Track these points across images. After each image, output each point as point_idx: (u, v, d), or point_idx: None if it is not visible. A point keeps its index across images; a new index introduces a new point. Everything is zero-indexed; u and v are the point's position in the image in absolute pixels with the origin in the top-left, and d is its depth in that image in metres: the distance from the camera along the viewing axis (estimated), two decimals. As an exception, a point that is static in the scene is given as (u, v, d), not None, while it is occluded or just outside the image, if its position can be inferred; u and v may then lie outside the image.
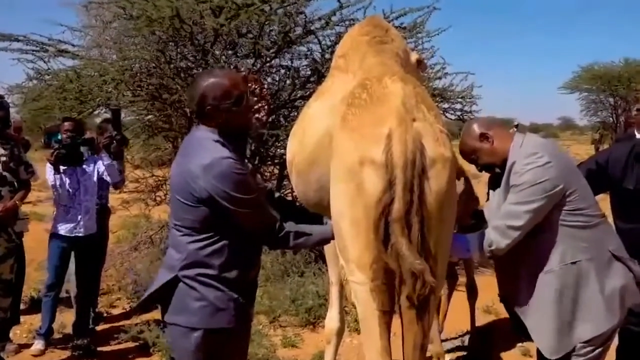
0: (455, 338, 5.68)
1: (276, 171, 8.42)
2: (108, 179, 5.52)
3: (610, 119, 30.58)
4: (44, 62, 7.77)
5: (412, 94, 2.64)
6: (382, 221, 2.42)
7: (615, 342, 3.57)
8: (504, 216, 2.88)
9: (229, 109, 2.66)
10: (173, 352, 3.00)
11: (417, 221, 2.39)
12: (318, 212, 3.03)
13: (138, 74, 7.33)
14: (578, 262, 2.86)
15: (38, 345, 5.26)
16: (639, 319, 3.44)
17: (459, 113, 8.82)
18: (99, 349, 5.37)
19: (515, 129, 3.12)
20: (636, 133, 3.58)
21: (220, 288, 2.67)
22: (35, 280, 6.85)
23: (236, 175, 2.58)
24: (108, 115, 6.24)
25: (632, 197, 3.43)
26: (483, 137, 3.04)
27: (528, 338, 3.13)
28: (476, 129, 3.08)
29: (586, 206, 2.90)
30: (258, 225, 2.70)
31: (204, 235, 2.64)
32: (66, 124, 5.27)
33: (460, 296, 6.97)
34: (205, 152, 2.61)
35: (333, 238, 2.79)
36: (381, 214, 2.42)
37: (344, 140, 2.68)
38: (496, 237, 2.87)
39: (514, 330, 3.19)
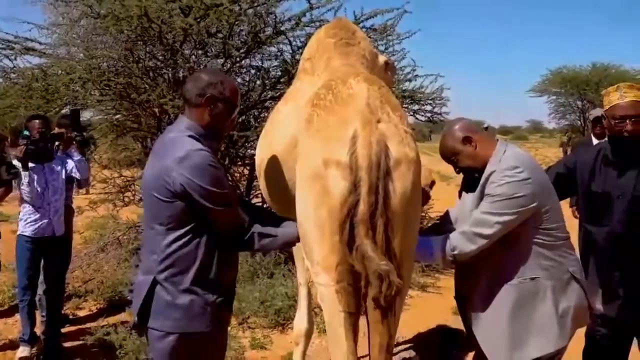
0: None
1: (246, 172, 8.41)
2: (77, 175, 5.47)
3: (579, 122, 31.10)
4: (10, 60, 7.69)
5: (377, 94, 2.66)
6: (347, 223, 2.43)
7: (582, 343, 3.64)
8: (474, 223, 2.89)
9: (223, 108, 2.74)
10: (149, 354, 2.95)
11: (382, 223, 2.41)
12: (287, 217, 3.04)
13: (106, 73, 7.24)
14: (537, 278, 2.89)
15: (24, 352, 5.14)
16: (605, 321, 3.49)
17: (429, 115, 8.88)
18: (64, 351, 5.31)
19: (496, 138, 3.13)
20: (593, 139, 3.61)
21: (197, 291, 2.66)
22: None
23: (211, 168, 2.60)
24: (66, 111, 6.12)
25: (599, 200, 3.47)
26: (467, 140, 3.04)
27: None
28: (460, 131, 3.07)
29: (555, 227, 2.93)
30: (229, 224, 2.69)
31: (180, 233, 2.63)
32: (36, 122, 5.15)
33: (430, 297, 7.06)
34: (179, 146, 2.64)
35: (299, 240, 2.79)
36: (346, 215, 2.43)
37: (309, 142, 2.69)
38: (462, 242, 2.89)
39: (467, 331, 3.21)
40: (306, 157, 2.67)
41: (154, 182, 2.65)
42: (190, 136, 2.68)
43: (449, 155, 3.13)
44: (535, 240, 2.89)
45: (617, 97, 3.43)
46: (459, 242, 2.89)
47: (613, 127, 3.42)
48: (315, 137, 2.65)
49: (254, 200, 8.03)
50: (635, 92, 3.40)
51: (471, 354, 5.19)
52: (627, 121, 3.36)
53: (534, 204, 2.84)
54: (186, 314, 2.65)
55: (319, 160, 2.54)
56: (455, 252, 2.89)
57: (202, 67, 7.48)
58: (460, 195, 3.29)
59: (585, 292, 3.00)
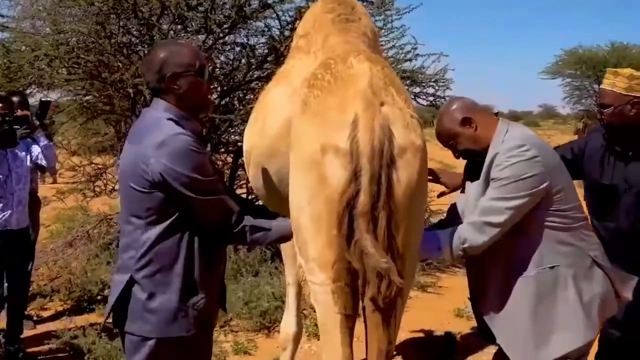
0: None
1: (230, 159, 8.38)
2: (44, 162, 5.44)
3: (595, 107, 31.10)
4: (-32, 34, 7.61)
5: (381, 75, 2.62)
6: (346, 216, 2.39)
7: (595, 348, 3.65)
8: (482, 212, 2.87)
9: (191, 79, 2.69)
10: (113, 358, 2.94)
11: (384, 216, 2.37)
12: (277, 211, 3.02)
13: (75, 50, 7.19)
14: (556, 267, 2.88)
15: None
16: (619, 324, 3.51)
17: (431, 98, 8.83)
18: (27, 355, 5.30)
19: (498, 117, 3.12)
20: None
21: (179, 291, 2.64)
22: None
23: (193, 153, 2.58)
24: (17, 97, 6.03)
25: (607, 193, 3.48)
26: (466, 121, 3.03)
27: (493, 343, 3.16)
28: (458, 111, 3.06)
29: (570, 207, 2.92)
30: (215, 215, 2.68)
31: (161, 227, 2.61)
32: None
33: (431, 298, 7.10)
34: (157, 131, 2.61)
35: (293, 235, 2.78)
36: (345, 207, 2.39)
37: (305, 126, 2.65)
38: (471, 233, 2.86)
39: (480, 335, 3.21)
40: (301, 143, 2.64)
41: (130, 172, 2.62)
42: (169, 119, 2.66)
43: (446, 139, 3.11)
44: (550, 224, 2.88)
45: (604, 82, 3.54)
46: (469, 234, 2.87)
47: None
48: (312, 120, 2.62)
49: (238, 192, 8.02)
50: (614, 78, 3.45)
51: (474, 355, 5.26)
52: (603, 110, 3.48)
53: (545, 184, 2.82)
54: (167, 317, 2.64)
55: (315, 146, 2.50)
56: (466, 245, 2.87)
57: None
58: (464, 188, 3.28)
59: (610, 279, 2.98)
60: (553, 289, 2.87)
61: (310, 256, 2.59)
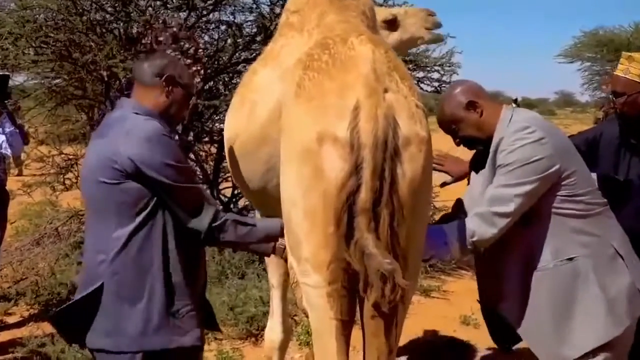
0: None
1: (214, 150, 8.37)
2: (8, 151, 5.45)
3: (617, 94, 31.07)
4: None
5: (384, 58, 2.60)
6: (345, 213, 2.37)
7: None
8: (490, 201, 2.89)
9: (181, 93, 2.86)
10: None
11: (387, 213, 2.36)
12: (264, 210, 3.02)
13: (43, 28, 7.17)
14: (575, 258, 2.89)
15: None
16: None
17: (436, 84, 8.85)
18: (-10, 365, 5.29)
19: (513, 105, 3.12)
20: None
21: (161, 296, 2.65)
22: None
23: (164, 137, 2.65)
24: None
25: (620, 189, 3.49)
26: (471, 105, 3.05)
27: (507, 351, 3.18)
28: (463, 95, 3.08)
29: (585, 192, 2.93)
30: (190, 204, 2.70)
31: (134, 223, 2.63)
32: None
33: (435, 304, 7.10)
34: (124, 122, 2.69)
35: (282, 235, 2.78)
36: (344, 203, 2.36)
37: (299, 112, 2.63)
38: (480, 225, 2.88)
39: (495, 342, 3.22)
40: (295, 131, 2.62)
41: (96, 166, 2.67)
42: (135, 114, 2.73)
43: (448, 123, 3.13)
44: (563, 211, 2.89)
45: (617, 68, 3.56)
46: (477, 226, 2.88)
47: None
48: (307, 106, 2.59)
49: (223, 186, 8.02)
50: (628, 64, 3.46)
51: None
52: (616, 99, 3.52)
53: (556, 167, 2.84)
54: (146, 328, 2.64)
55: (311, 134, 2.47)
56: (475, 239, 2.88)
57: (160, 21, 7.42)
58: (468, 181, 3.29)
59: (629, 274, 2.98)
60: (573, 282, 2.89)
61: (303, 256, 2.57)
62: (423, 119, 2.55)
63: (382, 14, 4.41)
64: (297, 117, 2.64)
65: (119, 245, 2.62)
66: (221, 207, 2.57)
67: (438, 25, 4.57)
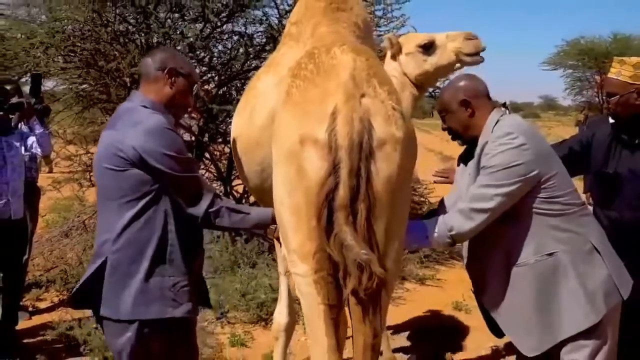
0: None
1: (227, 150, 8.36)
2: (38, 150, 5.44)
3: (597, 98, 31.00)
4: (-37, 21, 7.59)
5: (364, 66, 2.61)
6: (325, 208, 2.40)
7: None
8: (471, 199, 2.89)
9: (184, 82, 2.86)
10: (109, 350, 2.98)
11: (363, 208, 2.38)
12: (263, 202, 3.03)
13: (71, 38, 7.21)
14: (555, 253, 2.89)
15: None
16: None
17: (430, 89, 8.82)
18: (22, 347, 5.30)
19: (502, 109, 3.11)
20: (610, 119, 3.66)
21: (155, 272, 2.68)
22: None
23: (167, 130, 2.68)
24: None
25: (611, 182, 3.50)
26: (464, 104, 3.05)
27: (500, 336, 3.17)
28: (462, 91, 3.08)
29: (563, 193, 2.93)
30: (189, 192, 2.73)
31: (136, 208, 2.66)
32: None
33: (429, 291, 7.10)
34: (131, 114, 2.75)
35: (274, 222, 2.81)
36: (324, 200, 2.40)
37: (285, 117, 2.67)
38: (459, 220, 2.88)
39: (489, 329, 3.21)
40: (282, 135, 2.65)
41: (104, 154, 2.71)
42: (143, 106, 2.77)
43: (441, 108, 3.16)
44: (545, 210, 2.89)
45: (610, 71, 3.57)
46: (456, 221, 2.88)
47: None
48: (292, 111, 2.62)
49: (235, 182, 8.02)
50: (620, 67, 3.49)
51: (472, 350, 5.26)
52: (609, 99, 3.53)
53: (535, 172, 2.84)
54: (143, 299, 2.67)
55: (294, 137, 2.51)
56: (453, 232, 2.88)
57: (178, 32, 7.43)
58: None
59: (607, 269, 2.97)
60: (553, 275, 2.89)
61: (292, 247, 2.61)
62: (399, 120, 2.55)
63: (419, 38, 4.37)
64: (284, 121, 2.67)
65: (122, 226, 2.66)
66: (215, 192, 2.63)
67: (480, 48, 4.37)
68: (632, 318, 3.27)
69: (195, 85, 2.95)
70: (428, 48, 4.30)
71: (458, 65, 4.38)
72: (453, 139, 3.20)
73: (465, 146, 3.22)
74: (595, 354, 2.91)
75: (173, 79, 2.84)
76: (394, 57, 4.38)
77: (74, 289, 2.84)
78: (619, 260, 3.07)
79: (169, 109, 2.86)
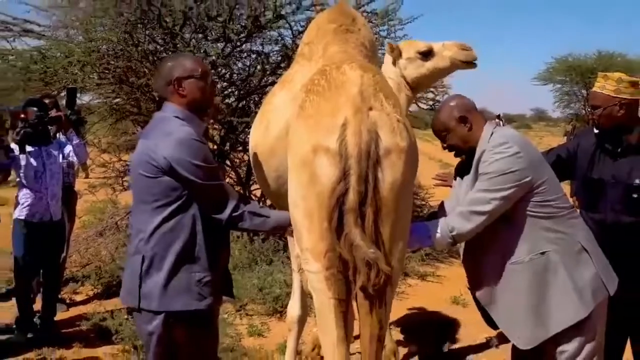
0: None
1: (246, 157, 8.37)
2: (75, 159, 5.48)
3: (583, 111, 30.93)
4: (8, 42, 7.66)
5: (371, 82, 2.65)
6: (336, 211, 2.44)
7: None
8: (470, 202, 2.89)
9: (194, 82, 2.79)
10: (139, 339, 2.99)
11: (371, 212, 2.42)
12: (279, 206, 3.03)
13: (105, 56, 7.23)
14: (547, 252, 2.88)
15: (19, 337, 5.16)
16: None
17: (431, 102, 8.85)
18: (60, 336, 5.31)
19: (496, 120, 3.11)
20: (594, 130, 3.65)
21: (185, 268, 2.69)
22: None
23: (195, 142, 2.66)
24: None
25: (594, 187, 3.49)
26: (462, 120, 3.03)
27: (495, 328, 3.15)
28: (457, 109, 3.06)
29: (554, 198, 2.92)
30: (216, 200, 2.72)
31: (168, 211, 2.67)
32: (29, 109, 5.06)
33: (429, 286, 7.07)
34: (163, 125, 2.73)
35: (290, 225, 2.80)
36: (335, 204, 2.44)
37: (300, 128, 2.69)
38: (459, 221, 2.88)
39: (485, 322, 3.19)
40: (296, 144, 2.68)
41: (138, 161, 2.71)
42: (175, 117, 2.75)
43: (440, 129, 3.11)
44: (537, 213, 2.89)
45: (595, 85, 3.56)
46: (457, 222, 2.88)
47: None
48: (306, 123, 2.65)
49: (253, 187, 8.03)
50: (604, 82, 3.49)
51: (470, 343, 5.24)
52: (594, 111, 3.51)
53: (528, 178, 2.84)
54: (171, 292, 2.68)
55: (308, 146, 2.55)
56: (454, 233, 2.88)
57: (202, 51, 7.45)
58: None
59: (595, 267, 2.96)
60: (545, 273, 2.87)
61: (304, 247, 2.63)
62: (404, 132, 2.58)
63: (419, 45, 4.44)
64: (298, 133, 2.69)
65: (154, 226, 2.67)
66: (239, 197, 2.64)
67: (473, 58, 4.50)
68: (618, 312, 3.26)
69: (208, 73, 2.87)
70: (427, 55, 4.41)
71: (454, 68, 4.52)
72: (456, 155, 3.18)
73: (461, 159, 3.21)
74: (584, 345, 2.90)
75: (182, 87, 2.77)
76: (394, 61, 4.46)
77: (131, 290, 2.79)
78: (605, 258, 3.06)
79: (196, 112, 2.83)
